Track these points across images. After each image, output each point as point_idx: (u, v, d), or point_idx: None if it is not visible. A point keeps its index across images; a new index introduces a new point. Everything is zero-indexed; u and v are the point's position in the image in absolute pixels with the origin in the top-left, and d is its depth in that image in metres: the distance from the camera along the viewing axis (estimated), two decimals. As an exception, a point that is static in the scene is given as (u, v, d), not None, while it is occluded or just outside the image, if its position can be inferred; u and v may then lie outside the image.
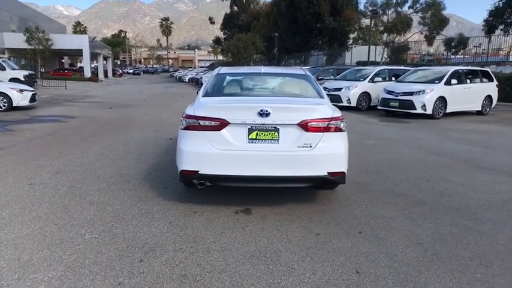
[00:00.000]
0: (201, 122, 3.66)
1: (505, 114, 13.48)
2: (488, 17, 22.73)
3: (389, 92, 12.59)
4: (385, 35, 33.85)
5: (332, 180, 3.74)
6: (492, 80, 13.52)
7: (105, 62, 52.76)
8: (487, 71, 13.87)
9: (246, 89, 4.53)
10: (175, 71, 70.36)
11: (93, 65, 48.03)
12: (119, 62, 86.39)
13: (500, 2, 22.14)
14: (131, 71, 72.59)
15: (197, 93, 6.70)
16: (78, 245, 3.13)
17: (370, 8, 32.03)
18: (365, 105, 14.46)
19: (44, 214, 3.77)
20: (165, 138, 7.96)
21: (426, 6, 31.13)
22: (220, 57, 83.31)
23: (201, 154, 3.66)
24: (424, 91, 11.75)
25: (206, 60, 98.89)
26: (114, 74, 55.46)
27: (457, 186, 4.89)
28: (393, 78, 14.85)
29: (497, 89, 13.58)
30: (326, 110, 3.77)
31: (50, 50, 35.32)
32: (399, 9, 33.47)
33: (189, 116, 3.75)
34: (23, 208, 3.93)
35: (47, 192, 4.43)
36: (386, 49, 32.98)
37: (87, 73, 40.78)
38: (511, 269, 2.84)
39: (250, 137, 3.63)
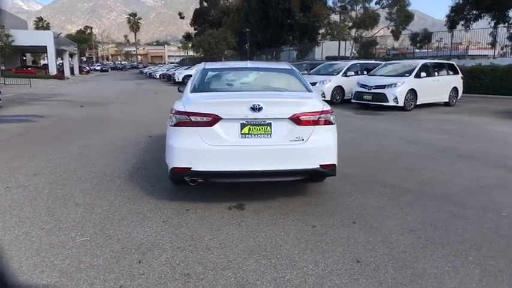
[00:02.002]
0: (193, 118, 3.59)
1: (469, 104, 14.08)
2: (450, 12, 23.61)
3: (362, 86, 12.85)
4: (354, 30, 34.46)
5: (324, 173, 3.78)
6: (457, 73, 14.08)
7: (70, 58, 50.83)
8: (453, 64, 14.45)
9: (234, 84, 4.49)
10: (145, 67, 68.84)
11: (58, 62, 46.09)
12: (85, 59, 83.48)
13: (461, -1, 23.06)
14: (98, 67, 70.36)
15: (179, 90, 6.61)
16: (70, 249, 3.01)
17: (339, 4, 32.54)
18: (339, 98, 14.70)
19: (27, 218, 3.60)
20: (144, 136, 7.78)
21: (392, 2, 32.01)
22: (190, 53, 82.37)
23: (193, 151, 3.60)
24: (395, 84, 12.08)
25: (176, 56, 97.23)
26: (80, 71, 53.56)
27: (439, 175, 5.07)
28: (365, 72, 15.18)
29: (462, 81, 14.16)
30: (316, 103, 3.81)
31: (10, 46, 33.53)
32: (367, 5, 34.21)
33: (179, 112, 3.68)
34: (3, 213, 3.73)
35: (26, 196, 4.23)
36: (355, 44, 33.63)
37: (53, 70, 39.12)
38: (499, 251, 2.97)
39: (242, 132, 3.61)
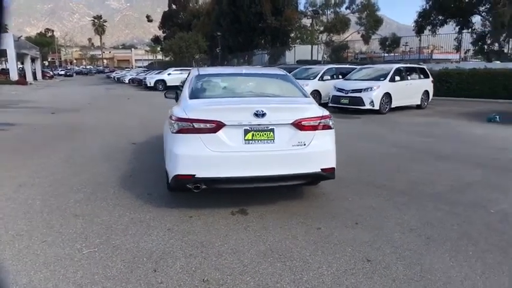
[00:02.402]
0: (196, 125, 3.60)
1: (439, 107, 14.75)
2: (417, 18, 24.67)
3: (339, 90, 13.19)
4: (325, 34, 35.24)
5: (324, 176, 3.89)
6: (428, 77, 14.74)
7: (32, 63, 48.76)
8: (424, 68, 15.11)
9: (233, 90, 4.52)
10: (112, 71, 67.19)
11: (19, 67, 44.06)
12: (47, 63, 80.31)
13: (427, 5, 24.13)
14: (62, 72, 67.86)
15: (166, 96, 6.56)
16: (78, 260, 2.94)
17: (310, 8, 33.21)
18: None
19: (25, 231, 3.48)
20: (127, 143, 7.64)
21: (362, 7, 33.01)
22: (159, 57, 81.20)
23: (197, 157, 3.61)
24: (371, 88, 12.49)
25: (144, 59, 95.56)
26: (43, 76, 51.44)
27: (425, 175, 5.32)
28: (340, 76, 15.58)
29: (432, 84, 14.83)
30: (317, 109, 3.92)
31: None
32: (337, 9, 35.09)
33: (181, 119, 3.67)
34: (-3, 226, 3.58)
35: (18, 208, 4.07)
36: (326, 48, 34.40)
37: (14, 76, 37.39)
38: (494, 245, 3.18)
39: (246, 138, 3.65)
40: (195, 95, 4.18)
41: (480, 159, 6.21)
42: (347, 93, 12.88)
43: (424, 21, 24.74)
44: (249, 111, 3.62)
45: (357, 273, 2.73)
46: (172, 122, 3.77)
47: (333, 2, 34.69)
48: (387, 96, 12.65)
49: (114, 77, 48.57)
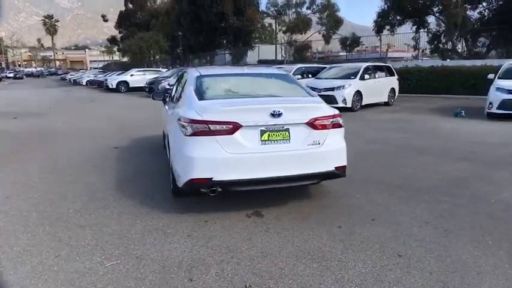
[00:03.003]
0: (212, 127, 3.50)
1: (404, 103, 15.40)
2: (377, 18, 25.63)
3: (313, 89, 13.22)
4: (287, 34, 35.69)
5: (337, 174, 3.92)
6: (394, 75, 15.36)
7: (-22, 65, 45.34)
8: (390, 67, 15.72)
9: (241, 90, 4.43)
10: (66, 73, 64.04)
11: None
12: (-8, 65, 74.99)
13: (386, 6, 25.13)
14: (11, 74, 63.68)
15: (153, 97, 6.37)
16: (104, 274, 2.76)
17: (272, 9, 33.48)
18: (288, 101, 15.12)
19: (32, 247, 3.22)
20: (108, 147, 7.30)
21: (322, 8, 33.77)
22: (116, 58, 78.45)
23: (214, 160, 3.51)
24: (343, 86, 12.80)
25: (99, 60, 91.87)
26: (-9, 78, 48.09)
27: (415, 170, 5.52)
28: (310, 76, 15.86)
29: (398, 82, 15.47)
30: (328, 108, 3.94)
31: None
32: (299, 10, 35.65)
33: (195, 121, 3.55)
34: (-5, 243, 3.28)
35: (14, 222, 3.76)
36: (289, 48, 34.85)
37: (-42, 79, 34.62)
38: (505, 233, 3.36)
39: (262, 138, 3.61)
40: (203, 96, 4.05)
41: (460, 154, 6.53)
42: (320, 92, 13.04)
43: (383, 21, 25.73)
44: (266, 111, 3.58)
45: (394, 269, 2.78)
46: (185, 124, 3.63)
47: (294, 2, 35.22)
48: (358, 94, 13.03)
49: (69, 79, 46.28)
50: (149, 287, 2.60)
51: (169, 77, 21.93)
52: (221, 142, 3.51)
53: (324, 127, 3.78)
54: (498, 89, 10.44)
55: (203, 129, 3.52)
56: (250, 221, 3.68)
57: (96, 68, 68.21)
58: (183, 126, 3.66)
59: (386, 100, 14.62)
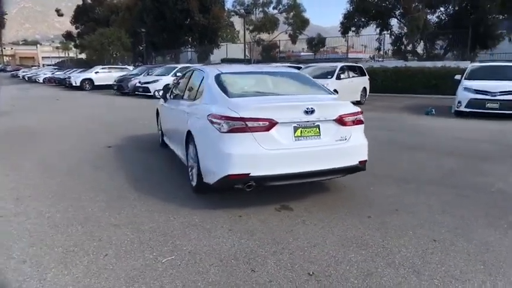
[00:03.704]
0: (249, 124, 3.60)
1: (375, 102, 16.11)
2: (343, 19, 26.49)
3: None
4: (254, 33, 35.90)
5: (360, 168, 4.15)
6: (365, 74, 16.05)
7: None
8: (361, 67, 16.39)
9: (265, 88, 4.52)
10: (17, 70, 60.25)
11: None
12: None
13: (351, 8, 26.04)
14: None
15: (159, 96, 6.28)
16: (165, 270, 2.78)
17: (239, 7, 33.52)
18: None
19: (73, 247, 3.15)
20: (100, 147, 7.11)
21: (288, 7, 34.32)
22: (71, 54, 74.91)
23: (252, 156, 3.61)
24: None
25: (53, 57, 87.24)
26: None
27: (410, 164, 5.90)
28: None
29: (369, 82, 16.17)
30: (352, 105, 4.16)
31: None
32: (266, 9, 35.98)
33: (232, 118, 3.62)
34: (27, 247, 3.17)
35: (40, 223, 3.64)
36: (256, 47, 35.11)
37: None
38: (514, 218, 3.74)
39: (296, 135, 3.75)
40: (231, 93, 4.12)
41: (445, 149, 7.03)
42: (299, 91, 13.43)
43: (349, 23, 26.63)
44: (300, 108, 3.73)
45: (435, 252, 3.03)
46: (220, 121, 3.68)
47: (261, 1, 35.51)
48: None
49: (23, 76, 43.63)
50: (215, 279, 2.67)
51: (139, 74, 21.45)
52: (258, 138, 3.61)
53: (350, 123, 4.00)
54: (466, 88, 11.25)
55: (240, 126, 3.61)
56: (283, 214, 3.82)
57: (50, 65, 64.69)
58: (217, 123, 3.72)
59: (359, 99, 15.22)
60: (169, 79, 18.39)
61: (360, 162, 4.08)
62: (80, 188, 4.71)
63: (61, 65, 57.81)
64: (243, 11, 34.55)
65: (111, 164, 5.90)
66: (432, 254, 3.00)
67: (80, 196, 4.40)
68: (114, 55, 40.09)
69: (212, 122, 3.79)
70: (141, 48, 44.21)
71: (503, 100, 10.52)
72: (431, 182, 4.89)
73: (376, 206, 4.06)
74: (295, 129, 3.75)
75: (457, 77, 12.59)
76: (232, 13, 37.35)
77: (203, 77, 4.75)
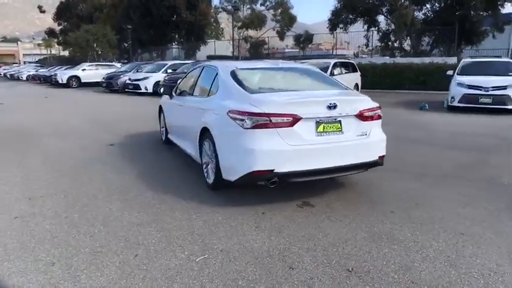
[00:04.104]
0: (273, 119, 3.56)
1: (367, 98, 16.25)
2: (331, 16, 26.61)
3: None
4: (242, 30, 35.74)
5: (379, 163, 4.16)
6: (357, 71, 16.17)
7: None
8: (353, 63, 16.53)
9: (283, 83, 4.47)
10: (-3, 67, 58.50)
11: None
12: None
13: (339, 5, 26.18)
14: None
15: (162, 93, 6.20)
16: (201, 269, 2.73)
17: (226, 4, 33.30)
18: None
19: (100, 247, 3.06)
20: (102, 145, 6.96)
21: (276, 4, 34.28)
22: (53, 51, 73.08)
23: (276, 152, 3.58)
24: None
25: (34, 54, 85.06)
26: None
27: (419, 158, 5.97)
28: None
29: (361, 78, 16.30)
30: (370, 100, 4.16)
31: None
32: (253, 6, 35.84)
33: (255, 114, 3.58)
34: (56, 246, 3.07)
35: (59, 223, 3.53)
36: (244, 43, 34.99)
37: None
38: (532, 210, 3.81)
39: (318, 130, 3.73)
40: (251, 89, 4.07)
41: (447, 143, 7.14)
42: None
43: (336, 20, 26.76)
44: (323, 104, 3.71)
45: (466, 245, 3.06)
46: (243, 117, 3.63)
47: (248, -3, 35.43)
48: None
49: (5, 73, 42.44)
50: (254, 277, 2.63)
51: (128, 71, 21.11)
52: (282, 134, 3.58)
53: (370, 119, 4.00)
54: (459, 84, 11.44)
55: (264, 121, 3.56)
56: (306, 211, 3.79)
57: (31, 62, 63.14)
58: (240, 119, 3.67)
59: (352, 95, 15.34)
60: (160, 76, 18.19)
61: (379, 157, 4.09)
62: (91, 186, 4.59)
63: (43, 63, 56.51)
64: (230, 7, 34.31)
65: (118, 162, 5.78)
66: (464, 247, 3.03)
67: (95, 195, 4.29)
68: (100, 52, 39.28)
69: (234, 118, 3.74)
70: (126, 45, 43.52)
71: (496, 95, 10.74)
72: (445, 176, 4.95)
73: (396, 200, 4.08)
74: (318, 124, 3.73)
75: (449, 72, 12.80)
76: (220, 10, 37.00)
77: (216, 73, 4.68)
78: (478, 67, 12.08)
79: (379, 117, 4.15)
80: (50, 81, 26.36)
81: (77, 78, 24.50)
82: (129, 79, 18.97)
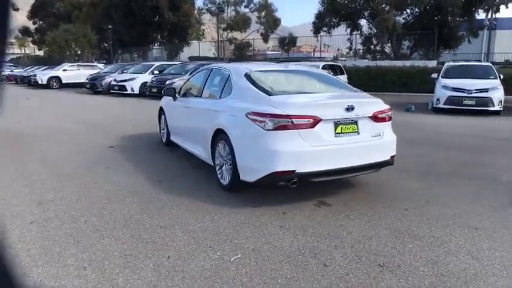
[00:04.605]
0: (295, 121, 3.64)
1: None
2: (315, 19, 27.00)
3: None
4: (227, 31, 35.76)
5: (391, 163, 4.31)
6: (344, 73, 16.49)
7: None
8: (340, 66, 16.83)
9: (297, 86, 4.56)
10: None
11: None
12: None
13: (323, 8, 26.59)
14: None
15: (165, 94, 6.18)
16: (237, 269, 2.77)
17: (210, 5, 33.24)
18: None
19: (129, 250, 3.06)
20: (102, 147, 6.87)
21: (260, 7, 34.48)
22: (27, 51, 70.89)
23: (298, 153, 3.66)
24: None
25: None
26: None
27: (420, 158, 6.17)
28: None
29: (347, 80, 16.59)
30: (382, 102, 4.30)
31: None
32: (238, 8, 35.92)
33: (277, 116, 3.65)
34: (84, 252, 3.05)
35: (79, 228, 3.49)
36: (229, 45, 35.01)
37: None
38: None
39: (336, 131, 3.84)
40: (269, 91, 4.14)
41: (442, 143, 7.42)
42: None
43: (320, 23, 27.17)
44: (341, 106, 3.82)
45: (482, 240, 3.22)
46: (264, 119, 3.69)
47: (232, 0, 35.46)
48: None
49: (-24, 74, 40.72)
50: (291, 275, 2.69)
51: (113, 72, 20.78)
52: (303, 135, 3.66)
53: (383, 120, 4.15)
54: (444, 86, 11.86)
55: (286, 123, 3.64)
56: (325, 210, 3.89)
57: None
58: (261, 121, 3.73)
59: (340, 97, 15.61)
60: (147, 77, 18.01)
61: (391, 157, 4.24)
62: (102, 189, 4.54)
63: (16, 62, 54.76)
64: (214, 9, 34.29)
65: (122, 164, 5.72)
66: (480, 241, 3.19)
67: (108, 198, 4.26)
68: (79, 52, 38.39)
69: (254, 120, 3.80)
70: (106, 45, 42.73)
71: (479, 97, 11.20)
72: (446, 175, 5.16)
73: (407, 199, 4.23)
74: (336, 125, 3.84)
75: (434, 75, 13.24)
76: (204, 11, 36.90)
77: (228, 75, 4.72)
78: (460, 70, 12.57)
79: (390, 118, 4.31)
80: (28, 82, 25.58)
81: (58, 79, 23.89)
82: (115, 80, 18.67)
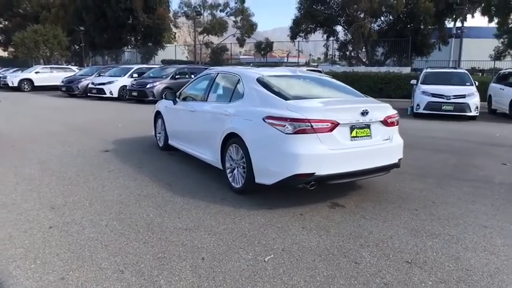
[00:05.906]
0: (314, 125, 3.75)
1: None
2: (292, 24, 27.46)
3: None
4: (203, 35, 35.66)
5: (398, 165, 4.51)
6: (325, 78, 16.86)
7: None
8: (320, 71, 17.12)
9: (310, 91, 4.67)
10: None
11: None
12: None
13: (300, 14, 27.10)
14: None
15: (165, 98, 6.18)
16: (273, 269, 2.85)
17: (186, 8, 33.06)
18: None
19: (161, 253, 3.06)
20: (96, 151, 6.74)
21: (236, 11, 34.66)
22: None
23: (317, 156, 3.78)
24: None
25: (-33, 54, 77.94)
26: None
27: (415, 161, 6.41)
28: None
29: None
30: (391, 107, 4.50)
31: None
32: (214, 12, 35.92)
33: (297, 120, 3.75)
34: (116, 256, 3.03)
35: (103, 232, 3.45)
36: (205, 48, 34.91)
37: None
38: (529, 204, 4.35)
39: (352, 135, 3.99)
40: (285, 96, 4.24)
41: (430, 146, 7.74)
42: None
43: (297, 28, 27.68)
44: (357, 110, 3.98)
45: (494, 237, 3.45)
46: (284, 123, 3.79)
47: (209, 3, 35.45)
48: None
49: None
50: (328, 273, 2.79)
51: (89, 75, 20.26)
52: (322, 139, 3.79)
53: (392, 124, 4.35)
54: (423, 92, 12.39)
55: (305, 127, 3.75)
56: (340, 211, 4.03)
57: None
58: (280, 125, 3.82)
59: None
60: (126, 80, 17.70)
61: (399, 159, 4.44)
62: (113, 193, 4.49)
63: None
64: (189, 12, 34.14)
65: (123, 168, 5.64)
66: (492, 238, 3.42)
67: (122, 202, 4.22)
68: (49, 54, 37.06)
69: (272, 124, 3.89)
70: (77, 47, 41.53)
71: (457, 103, 11.80)
72: (444, 177, 5.43)
73: (414, 200, 4.44)
74: (352, 129, 4.00)
75: (413, 81, 13.82)
76: (179, 15, 36.63)
77: (239, 79, 4.79)
78: (438, 77, 13.19)
79: (397, 123, 4.51)
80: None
81: (30, 81, 22.99)
82: (92, 83, 18.22)
